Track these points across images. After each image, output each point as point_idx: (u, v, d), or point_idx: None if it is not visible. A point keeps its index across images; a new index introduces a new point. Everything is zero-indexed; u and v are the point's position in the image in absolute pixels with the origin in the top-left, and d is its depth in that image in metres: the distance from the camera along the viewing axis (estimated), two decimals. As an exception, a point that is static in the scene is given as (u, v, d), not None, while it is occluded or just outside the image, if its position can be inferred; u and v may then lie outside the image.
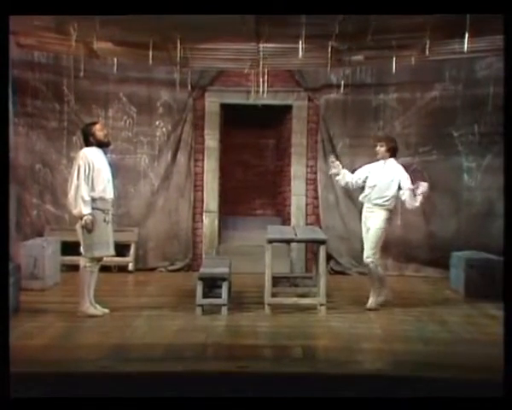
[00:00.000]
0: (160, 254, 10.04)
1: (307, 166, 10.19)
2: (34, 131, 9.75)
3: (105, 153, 7.12)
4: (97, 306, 6.99)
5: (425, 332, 6.47)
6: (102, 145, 7.05)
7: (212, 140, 10.15)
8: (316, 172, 10.14)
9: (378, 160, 7.54)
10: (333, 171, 7.62)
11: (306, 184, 10.20)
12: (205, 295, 7.09)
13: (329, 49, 7.65)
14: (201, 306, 7.03)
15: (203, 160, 10.16)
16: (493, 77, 9.07)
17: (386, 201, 7.38)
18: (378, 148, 7.52)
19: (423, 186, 7.25)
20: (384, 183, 7.39)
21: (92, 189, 6.79)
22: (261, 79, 8.55)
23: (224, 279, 7.15)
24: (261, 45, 7.72)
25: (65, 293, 8.07)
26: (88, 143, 6.98)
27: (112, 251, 7.05)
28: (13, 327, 5.00)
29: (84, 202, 6.70)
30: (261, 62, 8.29)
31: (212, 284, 7.27)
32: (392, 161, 7.51)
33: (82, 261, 6.92)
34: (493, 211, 9.30)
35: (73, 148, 9.51)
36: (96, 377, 4.89)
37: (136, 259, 9.82)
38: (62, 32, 7.31)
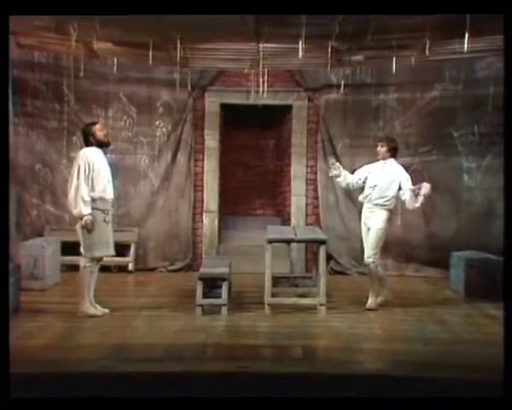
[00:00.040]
0: (160, 255, 10.04)
1: (307, 167, 10.19)
2: (34, 131, 9.75)
3: (105, 153, 7.13)
4: (97, 306, 6.99)
5: (425, 332, 6.47)
6: (102, 145, 7.05)
7: (212, 140, 10.14)
8: (316, 173, 10.14)
9: (378, 160, 7.54)
10: (334, 173, 7.60)
11: (306, 184, 10.20)
12: (205, 296, 7.09)
13: (329, 49, 7.64)
14: (201, 306, 7.03)
15: (203, 160, 10.16)
16: (493, 77, 9.07)
17: (387, 201, 7.38)
18: (379, 148, 7.52)
19: (426, 187, 7.22)
20: (385, 183, 7.39)
21: (92, 189, 6.79)
22: (261, 79, 8.54)
23: (224, 279, 7.15)
24: (261, 45, 7.72)
25: (65, 293, 8.08)
26: (88, 143, 6.98)
27: (112, 251, 7.05)
28: (13, 327, 5.00)
29: (84, 202, 6.70)
30: (261, 62, 8.29)
31: (212, 284, 7.27)
32: (392, 161, 7.52)
33: (82, 261, 6.92)
34: (493, 211, 9.30)
35: (73, 148, 9.51)
36: (95, 377, 4.88)
37: (136, 259, 9.83)
38: (62, 32, 7.31)
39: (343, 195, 9.80)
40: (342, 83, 9.16)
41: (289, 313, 7.15)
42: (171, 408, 4.29)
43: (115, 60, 8.59)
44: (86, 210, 6.71)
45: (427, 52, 7.42)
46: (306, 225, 10.01)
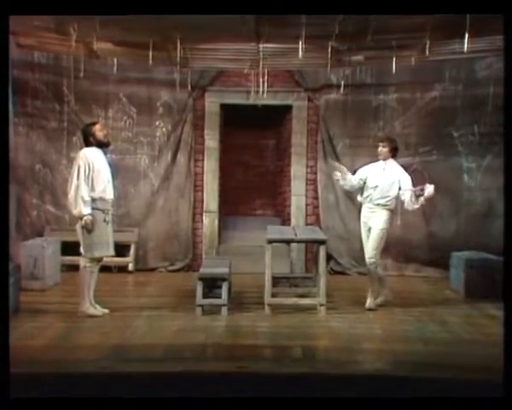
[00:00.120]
0: (160, 255, 10.04)
1: (307, 167, 10.19)
2: (34, 132, 9.75)
3: (105, 153, 7.13)
4: (97, 306, 6.99)
5: (425, 332, 6.47)
6: (102, 145, 7.06)
7: (212, 140, 10.14)
8: (316, 173, 10.14)
9: (379, 160, 7.53)
10: (338, 176, 7.55)
11: (306, 184, 10.20)
12: (205, 296, 7.09)
13: (329, 50, 7.64)
14: (201, 306, 7.03)
15: (203, 160, 10.16)
16: (493, 77, 9.08)
17: (388, 201, 7.38)
18: (381, 148, 7.51)
19: (430, 189, 7.20)
20: (386, 183, 7.39)
21: (92, 189, 6.79)
22: (261, 79, 8.54)
23: (224, 279, 7.15)
24: (261, 45, 7.72)
25: (65, 293, 8.07)
26: (88, 144, 6.98)
27: (112, 251, 7.05)
28: (13, 327, 5.00)
29: (84, 202, 6.70)
30: (261, 62, 8.29)
31: (212, 285, 7.27)
32: (392, 161, 7.52)
33: (82, 261, 6.92)
34: (493, 211, 9.31)
35: (73, 148, 9.51)
36: (95, 378, 4.88)
37: (136, 259, 9.82)
38: (62, 32, 7.31)
39: (343, 195, 9.80)
40: (342, 83, 9.16)
41: (289, 313, 7.15)
42: (171, 408, 4.29)
43: (115, 60, 8.59)
44: (86, 210, 6.71)
45: (427, 52, 7.41)
46: (306, 225, 10.00)
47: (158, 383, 4.72)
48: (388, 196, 7.38)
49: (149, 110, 9.95)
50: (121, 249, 9.01)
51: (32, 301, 7.30)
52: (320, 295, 7.17)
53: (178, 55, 7.74)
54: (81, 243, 6.87)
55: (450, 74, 9.59)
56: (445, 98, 9.67)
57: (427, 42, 7.25)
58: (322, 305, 7.15)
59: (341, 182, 7.61)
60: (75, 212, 6.77)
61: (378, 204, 7.39)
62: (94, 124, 7.26)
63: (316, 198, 10.16)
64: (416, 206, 7.38)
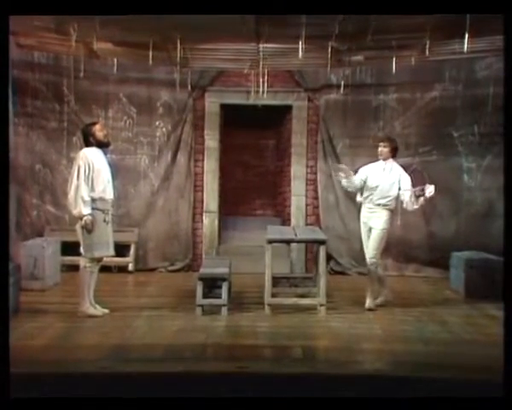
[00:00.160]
0: (160, 255, 10.04)
1: (307, 167, 10.19)
2: (34, 132, 9.75)
3: (105, 153, 7.13)
4: (97, 306, 6.99)
5: (425, 333, 6.47)
6: (102, 145, 7.06)
7: (212, 140, 10.14)
8: (316, 173, 10.14)
9: (379, 160, 7.53)
10: (342, 177, 7.51)
11: (306, 184, 10.20)
12: (205, 296, 7.09)
13: (329, 50, 7.64)
14: (201, 306, 7.03)
15: (203, 160, 10.16)
16: (493, 77, 9.07)
17: (389, 201, 7.39)
18: (381, 148, 7.50)
19: (430, 189, 7.19)
20: (387, 183, 7.39)
21: (92, 189, 6.79)
22: (261, 80, 8.54)
23: (224, 279, 7.15)
24: (261, 45, 7.72)
25: (65, 293, 8.07)
26: (88, 144, 6.98)
27: (112, 251, 7.06)
28: (13, 327, 5.00)
29: (84, 202, 6.70)
30: (261, 62, 8.29)
31: (212, 285, 7.27)
32: (391, 161, 7.52)
33: (82, 262, 6.92)
34: (493, 211, 9.30)
35: (73, 148, 9.51)
36: (95, 378, 4.88)
37: (136, 259, 9.82)
38: (62, 32, 7.31)
39: (343, 195, 9.79)
40: (342, 83, 9.15)
41: (289, 313, 7.15)
42: (171, 408, 4.29)
43: (115, 60, 8.59)
44: (86, 210, 6.71)
45: (427, 52, 7.41)
46: (306, 225, 10.00)
47: (158, 383, 4.72)
48: (389, 197, 7.38)
49: (149, 110, 9.95)
50: (121, 249, 9.01)
51: (31, 301, 7.30)
52: (320, 295, 7.17)
53: (178, 55, 7.74)
54: (81, 243, 6.87)
55: (450, 74, 9.59)
56: (445, 98, 9.67)
57: (427, 42, 7.25)
58: (322, 305, 7.15)
59: (345, 184, 7.57)
60: (75, 212, 6.78)
61: (378, 204, 7.39)
62: (94, 124, 7.26)
63: (316, 198, 10.16)
64: (416, 206, 7.38)
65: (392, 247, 9.13)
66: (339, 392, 4.56)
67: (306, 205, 10.21)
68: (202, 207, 10.17)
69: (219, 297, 7.08)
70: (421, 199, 7.28)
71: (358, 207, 7.80)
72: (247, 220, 10.68)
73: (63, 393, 4.39)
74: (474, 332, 6.54)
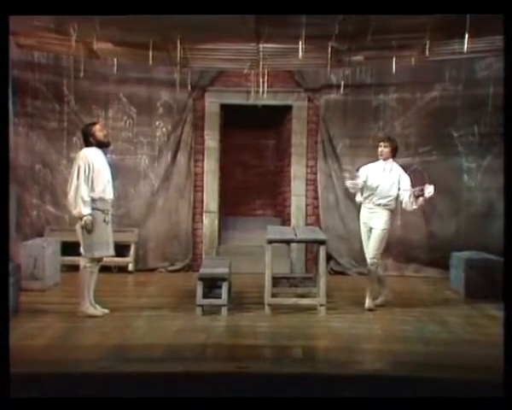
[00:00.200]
0: (160, 255, 10.04)
1: (307, 167, 10.18)
2: (34, 132, 9.75)
3: (105, 153, 7.13)
4: (97, 306, 6.99)
5: (425, 333, 6.47)
6: (102, 146, 7.05)
7: (212, 140, 10.14)
8: (316, 173, 10.13)
9: (378, 160, 7.53)
10: (349, 180, 7.49)
11: (306, 184, 10.20)
12: (205, 296, 7.09)
13: (329, 50, 7.64)
14: (201, 306, 7.03)
15: (203, 160, 10.16)
16: (493, 77, 9.07)
17: (389, 201, 7.39)
18: (382, 148, 7.49)
19: (430, 190, 7.19)
20: (388, 184, 7.39)
21: (92, 189, 6.79)
22: (261, 80, 8.54)
23: (224, 280, 7.15)
24: (261, 45, 7.72)
25: (65, 293, 8.07)
26: (88, 144, 6.98)
27: (112, 251, 7.05)
28: (13, 328, 5.00)
29: (84, 202, 6.70)
30: (261, 63, 8.29)
31: (212, 285, 7.27)
32: (391, 161, 7.52)
33: (82, 262, 6.92)
34: (493, 211, 9.30)
35: (73, 148, 9.51)
36: (95, 378, 4.88)
37: (136, 259, 9.82)
38: (62, 32, 7.31)
39: (343, 195, 9.80)
40: (342, 83, 9.15)
41: (289, 313, 7.15)
42: (171, 408, 4.29)
43: (115, 60, 8.59)
44: (86, 210, 6.71)
45: (427, 52, 7.41)
46: (306, 225, 10.00)
47: (158, 383, 4.72)
48: (389, 196, 7.38)
49: (149, 110, 9.95)
50: (121, 249, 9.01)
51: (31, 301, 7.30)
52: (320, 295, 7.17)
53: (178, 55, 7.74)
54: (81, 243, 6.87)
55: (450, 74, 9.58)
56: (445, 98, 9.67)
57: (427, 42, 7.25)
58: (322, 305, 7.15)
59: (350, 185, 7.51)
60: (75, 212, 6.77)
61: (379, 204, 7.39)
62: (94, 124, 7.26)
63: (316, 198, 10.16)
64: (415, 206, 7.39)
65: (393, 247, 9.13)
66: (339, 392, 4.56)
67: (306, 205, 10.21)
68: (202, 208, 10.17)
69: (219, 297, 7.08)
70: (421, 199, 7.28)
71: (358, 207, 7.79)
72: (247, 220, 10.68)
73: (63, 393, 4.39)
74: (474, 332, 6.54)
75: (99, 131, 7.02)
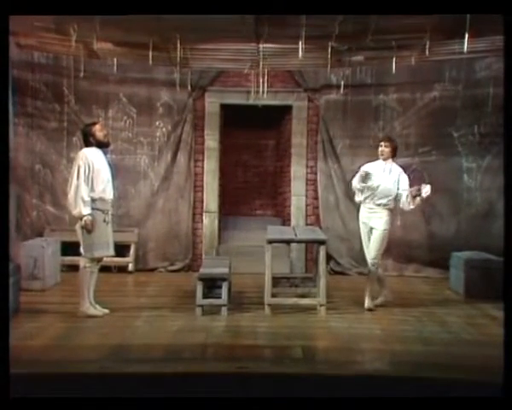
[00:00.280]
0: (160, 255, 10.04)
1: (307, 167, 10.18)
2: (34, 132, 9.75)
3: (105, 153, 7.13)
4: (97, 306, 6.99)
5: (425, 333, 6.48)
6: (102, 146, 7.06)
7: (212, 140, 10.14)
8: (316, 173, 10.13)
9: (378, 160, 7.53)
10: (362, 186, 7.47)
11: (306, 184, 10.20)
12: (205, 296, 7.09)
13: (329, 50, 7.64)
14: (201, 306, 7.03)
15: (203, 160, 10.15)
16: (493, 77, 9.08)
17: (389, 201, 7.40)
18: (383, 148, 7.49)
19: (427, 189, 7.20)
20: (388, 183, 7.39)
21: (92, 189, 6.79)
22: (261, 80, 8.54)
23: (223, 280, 7.15)
24: (261, 46, 7.72)
25: (65, 293, 8.07)
26: (88, 144, 6.98)
27: (112, 251, 7.06)
28: (13, 328, 5.01)
29: (84, 202, 6.71)
30: (261, 63, 8.29)
31: (211, 285, 7.27)
32: (391, 161, 7.52)
33: (82, 262, 6.92)
34: (493, 211, 9.30)
35: (73, 148, 9.51)
36: (95, 378, 4.88)
37: (136, 259, 9.82)
38: (62, 32, 7.31)
39: (343, 195, 9.81)
40: (342, 83, 9.16)
41: (289, 313, 7.15)
42: (171, 408, 4.29)
43: (115, 60, 8.58)
44: (86, 210, 6.71)
45: (427, 52, 7.41)
46: (306, 225, 10.00)
47: (158, 383, 4.72)
48: (390, 196, 7.39)
49: (149, 110, 9.95)
50: (121, 249, 9.00)
51: (31, 301, 7.30)
52: (320, 295, 7.17)
53: (178, 55, 7.74)
54: (81, 243, 6.87)
55: (450, 74, 9.59)
56: (445, 98, 9.67)
57: (427, 42, 7.24)
58: (322, 305, 7.15)
59: (358, 186, 7.44)
60: (75, 212, 6.78)
61: (379, 204, 7.39)
62: (94, 124, 7.26)
63: (316, 198, 10.16)
64: (412, 206, 7.39)
65: (393, 247, 9.12)
66: (339, 392, 4.56)
67: (306, 205, 10.21)
68: (202, 207, 10.17)
69: (219, 297, 7.08)
70: (418, 199, 7.28)
71: (358, 207, 7.79)
72: (247, 220, 10.68)
73: (63, 393, 4.39)
74: (474, 332, 6.54)
75: (99, 131, 7.02)
